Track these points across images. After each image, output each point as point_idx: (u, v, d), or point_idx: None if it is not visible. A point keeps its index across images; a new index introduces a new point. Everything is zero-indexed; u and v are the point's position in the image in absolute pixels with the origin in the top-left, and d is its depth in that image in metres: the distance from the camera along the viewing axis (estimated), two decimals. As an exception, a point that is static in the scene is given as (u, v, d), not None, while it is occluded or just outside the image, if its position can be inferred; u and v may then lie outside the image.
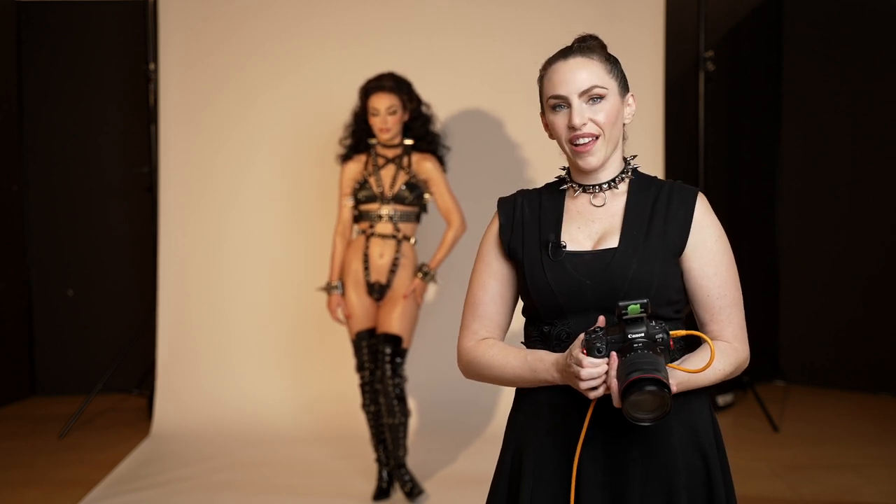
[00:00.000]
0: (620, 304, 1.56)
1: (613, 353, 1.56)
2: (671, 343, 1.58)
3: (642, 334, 1.55)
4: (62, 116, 5.88)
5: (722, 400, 5.22)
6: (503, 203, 1.84)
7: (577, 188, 1.78)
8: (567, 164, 1.82)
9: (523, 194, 1.84)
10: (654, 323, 1.57)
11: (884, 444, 4.54)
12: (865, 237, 5.56)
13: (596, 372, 1.57)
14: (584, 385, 1.58)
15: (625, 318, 1.56)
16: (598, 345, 1.57)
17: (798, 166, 5.85)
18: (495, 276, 1.80)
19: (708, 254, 1.72)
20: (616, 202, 1.76)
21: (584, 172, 1.76)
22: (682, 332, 1.64)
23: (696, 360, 1.67)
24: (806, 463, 4.27)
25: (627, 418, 1.53)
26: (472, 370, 1.80)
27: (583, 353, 1.58)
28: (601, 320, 1.62)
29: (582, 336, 1.60)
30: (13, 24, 5.77)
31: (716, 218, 1.75)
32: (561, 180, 1.82)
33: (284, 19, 5.00)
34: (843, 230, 5.66)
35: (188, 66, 5.02)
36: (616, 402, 1.55)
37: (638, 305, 1.55)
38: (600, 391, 1.58)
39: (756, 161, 5.99)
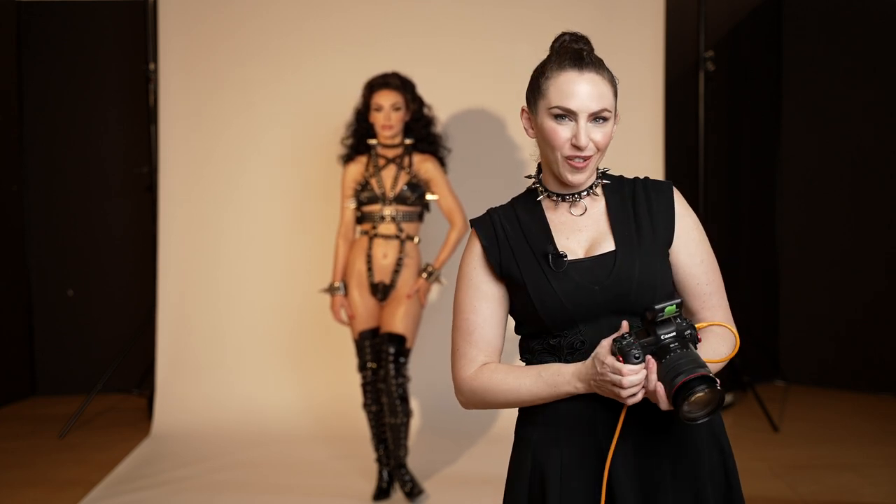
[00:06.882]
0: (656, 306, 1.56)
1: (649, 357, 1.57)
2: (698, 336, 1.60)
3: (673, 333, 1.57)
4: (62, 116, 5.88)
5: (722, 400, 5.21)
6: (479, 223, 1.78)
7: (556, 198, 1.76)
8: (534, 172, 1.80)
9: (495, 212, 1.79)
10: (679, 319, 1.58)
11: (884, 444, 4.54)
12: (866, 237, 5.56)
13: (637, 379, 1.57)
14: (626, 392, 1.57)
15: (660, 319, 1.57)
16: (634, 351, 1.57)
17: (798, 166, 5.85)
18: (486, 299, 1.75)
19: (692, 243, 1.75)
20: (596, 207, 1.76)
21: (564, 185, 1.74)
22: (706, 324, 1.69)
23: (706, 351, 1.67)
24: (806, 463, 4.27)
25: (683, 420, 1.55)
26: (476, 399, 1.74)
27: (619, 360, 1.57)
28: (625, 325, 1.62)
29: (607, 344, 1.59)
30: (13, 24, 5.77)
31: (690, 207, 1.79)
32: (533, 191, 1.79)
33: (284, 20, 5.00)
34: (844, 230, 5.66)
35: (188, 66, 5.02)
36: (665, 406, 1.57)
37: (674, 306, 1.57)
38: (639, 396, 1.59)
39: (756, 161, 5.99)
